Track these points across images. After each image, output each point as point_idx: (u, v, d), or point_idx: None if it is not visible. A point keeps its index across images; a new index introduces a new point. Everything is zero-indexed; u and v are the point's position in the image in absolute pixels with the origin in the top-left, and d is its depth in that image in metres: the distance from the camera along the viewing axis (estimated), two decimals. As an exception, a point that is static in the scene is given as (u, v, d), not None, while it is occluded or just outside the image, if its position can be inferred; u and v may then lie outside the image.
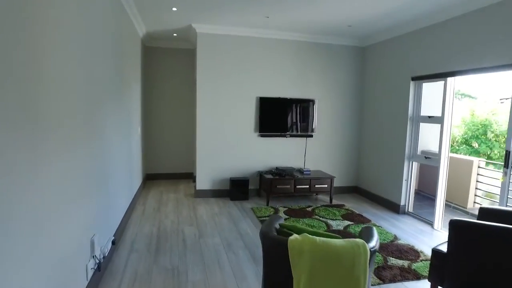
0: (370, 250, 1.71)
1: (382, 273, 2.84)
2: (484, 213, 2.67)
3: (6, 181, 1.25)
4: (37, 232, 1.50)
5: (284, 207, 4.77)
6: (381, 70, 5.13)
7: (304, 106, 5.38)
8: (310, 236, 1.70)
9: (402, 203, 4.65)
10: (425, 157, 4.37)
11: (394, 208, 4.73)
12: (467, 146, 8.87)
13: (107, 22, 2.95)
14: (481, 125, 8.83)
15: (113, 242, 3.00)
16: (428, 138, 5.47)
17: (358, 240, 1.71)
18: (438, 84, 4.23)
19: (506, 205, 3.28)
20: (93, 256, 2.38)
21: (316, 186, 5.00)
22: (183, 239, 3.53)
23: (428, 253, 3.27)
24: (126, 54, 4.00)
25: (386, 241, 3.56)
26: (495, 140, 8.56)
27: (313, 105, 5.39)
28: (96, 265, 2.43)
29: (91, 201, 2.43)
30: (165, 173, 6.42)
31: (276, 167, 5.32)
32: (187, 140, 6.40)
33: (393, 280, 2.76)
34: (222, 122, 5.16)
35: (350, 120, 5.67)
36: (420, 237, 3.76)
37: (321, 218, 4.29)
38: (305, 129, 5.42)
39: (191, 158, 6.38)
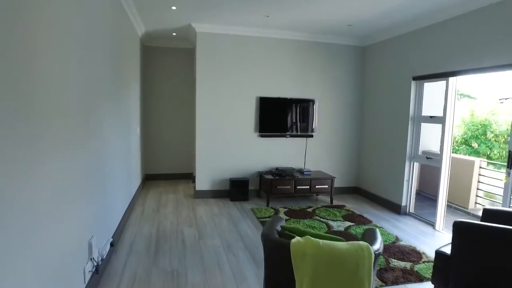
0: (375, 253, 1.67)
1: (384, 275, 2.81)
2: (488, 214, 2.64)
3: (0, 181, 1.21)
4: (31, 235, 1.46)
5: (284, 207, 4.73)
6: (381, 70, 5.10)
7: (304, 106, 5.35)
8: (313, 239, 1.66)
9: (403, 203, 4.61)
10: (426, 157, 4.33)
11: (395, 208, 4.70)
12: (467, 146, 8.86)
13: (105, 21, 2.91)
14: (480, 125, 8.82)
15: (112, 244, 2.96)
16: (429, 138, 5.44)
17: (362, 243, 1.67)
18: (439, 84, 4.20)
19: (510, 206, 3.25)
20: (91, 259, 2.34)
21: (316, 186, 4.97)
22: (182, 240, 3.49)
23: (430, 254, 3.24)
24: (125, 53, 3.96)
25: (387, 242, 3.52)
26: (495, 140, 8.55)
27: (313, 105, 5.36)
28: (94, 268, 2.39)
29: (89, 202, 2.39)
30: (164, 173, 6.37)
31: (276, 168, 5.28)
32: (186, 140, 6.35)
33: (395, 282, 2.72)
34: (221, 122, 5.12)
35: (351, 120, 5.64)
36: (421, 238, 3.73)
37: (321, 219, 4.25)
38: (305, 129, 5.39)
39: (190, 158, 6.33)
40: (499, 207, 3.17)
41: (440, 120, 4.06)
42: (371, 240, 1.85)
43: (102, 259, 2.60)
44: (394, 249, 3.35)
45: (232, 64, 5.07)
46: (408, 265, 3.02)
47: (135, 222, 4.00)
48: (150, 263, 2.95)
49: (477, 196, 5.00)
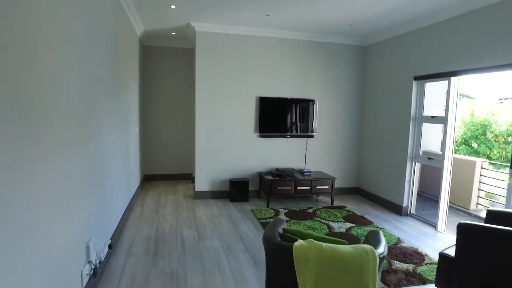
0: (379, 257, 1.64)
1: (387, 277, 2.77)
2: (492, 215, 2.61)
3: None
4: (27, 238, 1.42)
5: (285, 208, 4.69)
6: (382, 70, 5.07)
7: (305, 106, 5.31)
8: (316, 242, 1.62)
9: (404, 204, 4.58)
10: (428, 157, 4.30)
11: (397, 209, 4.67)
12: (467, 147, 8.84)
13: (105, 20, 2.87)
14: (480, 125, 8.80)
15: (110, 246, 2.92)
16: (429, 138, 5.40)
17: (366, 246, 1.63)
18: (440, 84, 4.17)
19: (513, 207, 3.22)
20: (89, 262, 2.29)
21: (317, 187, 4.93)
22: (182, 241, 3.45)
23: (433, 256, 3.21)
24: (124, 53, 3.92)
25: (389, 244, 3.48)
26: (495, 141, 8.53)
27: (314, 105, 5.32)
28: (92, 271, 2.34)
29: (88, 203, 2.35)
30: (164, 174, 6.33)
31: (277, 168, 5.24)
32: (186, 141, 6.31)
33: (398, 284, 2.68)
34: (221, 122, 5.08)
35: (351, 120, 5.60)
36: (423, 240, 3.69)
37: (322, 220, 4.22)
38: (305, 129, 5.35)
39: (190, 158, 6.29)
40: (503, 209, 3.13)
41: (442, 120, 4.02)
42: (375, 243, 1.82)
43: (100, 262, 2.56)
44: (396, 250, 3.31)
45: (232, 64, 5.02)
46: (410, 267, 2.98)
47: (134, 223, 3.96)
48: (149, 265, 2.91)
49: (478, 196, 4.97)
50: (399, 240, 3.62)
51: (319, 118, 5.40)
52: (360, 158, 5.67)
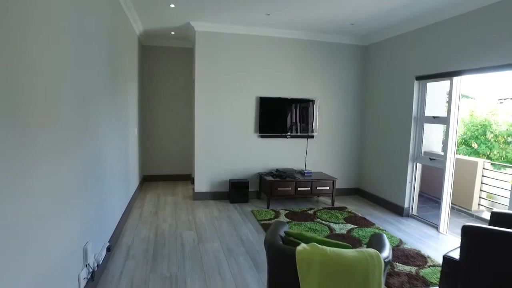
0: (384, 261, 1.59)
1: (390, 280, 2.73)
2: (496, 217, 2.56)
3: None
4: (21, 241, 1.37)
5: (285, 210, 4.65)
6: (383, 69, 5.03)
7: (305, 106, 5.27)
8: (320, 246, 1.58)
9: (406, 205, 4.54)
10: (430, 158, 4.26)
11: (398, 210, 4.63)
12: (467, 147, 8.81)
13: (103, 19, 2.82)
14: (480, 125, 8.78)
15: (108, 249, 2.87)
16: (430, 138, 5.37)
17: (371, 250, 1.59)
18: (440, 84, 4.13)
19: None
20: (86, 265, 2.25)
21: (317, 188, 4.89)
22: (181, 244, 3.40)
23: (436, 258, 3.17)
24: (122, 52, 3.86)
25: (392, 246, 3.44)
26: (495, 141, 8.51)
27: (314, 105, 5.28)
28: (89, 275, 2.29)
29: (85, 205, 2.30)
30: (163, 174, 6.28)
31: (277, 169, 5.20)
32: (185, 141, 6.26)
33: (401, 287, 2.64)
34: (221, 122, 5.03)
35: (352, 120, 5.56)
36: (426, 241, 3.65)
37: (323, 222, 4.17)
38: (305, 130, 5.31)
39: (189, 159, 6.25)
40: (508, 210, 3.09)
41: (444, 120, 3.99)
42: (379, 246, 1.77)
43: (98, 265, 2.51)
44: (398, 252, 3.27)
45: (232, 64, 4.98)
46: (413, 269, 2.94)
47: (132, 225, 3.91)
48: (148, 268, 2.86)
49: (480, 197, 4.93)
50: (401, 242, 3.58)
51: (320, 118, 5.36)
52: (361, 158, 5.63)
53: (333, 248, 1.59)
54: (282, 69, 5.17)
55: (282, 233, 1.92)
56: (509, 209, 3.38)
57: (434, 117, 4.19)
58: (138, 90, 5.31)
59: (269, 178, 4.83)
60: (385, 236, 1.94)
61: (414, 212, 4.54)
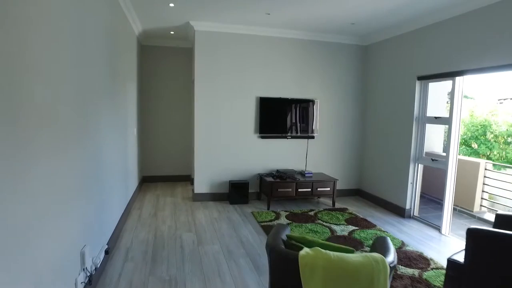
0: (389, 266, 1.55)
1: (393, 283, 2.68)
2: (501, 219, 2.53)
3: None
4: (16, 244, 1.33)
5: (286, 211, 4.61)
6: (384, 69, 4.99)
7: (305, 106, 5.23)
8: (324, 251, 1.53)
9: (407, 206, 4.50)
10: (432, 159, 4.22)
11: (399, 212, 4.59)
12: (467, 147, 8.79)
13: (102, 19, 2.78)
14: (480, 125, 8.76)
15: (107, 251, 2.82)
16: (431, 139, 5.33)
17: (376, 255, 1.55)
18: (442, 84, 4.09)
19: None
20: (84, 269, 2.20)
21: (318, 189, 4.84)
22: (181, 246, 3.36)
23: (438, 260, 3.13)
24: (122, 52, 3.82)
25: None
26: (495, 141, 8.48)
27: (314, 105, 5.24)
28: (87, 279, 2.25)
29: (83, 207, 2.25)
30: (162, 175, 6.23)
31: (277, 170, 5.16)
32: (184, 142, 6.22)
33: (404, 291, 2.60)
34: (221, 122, 4.98)
35: (353, 120, 5.52)
36: (428, 243, 3.61)
37: (324, 223, 4.13)
38: (306, 130, 5.27)
39: (189, 160, 6.20)
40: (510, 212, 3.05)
41: (446, 121, 3.95)
42: (384, 250, 1.73)
43: (96, 268, 2.47)
44: (400, 255, 3.23)
45: (232, 64, 4.94)
46: (416, 272, 2.90)
47: (131, 227, 3.86)
48: (147, 271, 2.81)
49: (482, 198, 4.89)
50: (403, 243, 3.54)
51: (320, 118, 5.32)
52: (361, 159, 5.59)
53: (336, 253, 1.55)
54: (282, 69, 5.13)
55: (284, 237, 1.87)
56: (512, 211, 3.35)
57: (436, 118, 4.15)
58: (137, 90, 5.27)
59: (269, 179, 4.79)
60: (389, 239, 1.90)
61: (416, 213, 4.50)
